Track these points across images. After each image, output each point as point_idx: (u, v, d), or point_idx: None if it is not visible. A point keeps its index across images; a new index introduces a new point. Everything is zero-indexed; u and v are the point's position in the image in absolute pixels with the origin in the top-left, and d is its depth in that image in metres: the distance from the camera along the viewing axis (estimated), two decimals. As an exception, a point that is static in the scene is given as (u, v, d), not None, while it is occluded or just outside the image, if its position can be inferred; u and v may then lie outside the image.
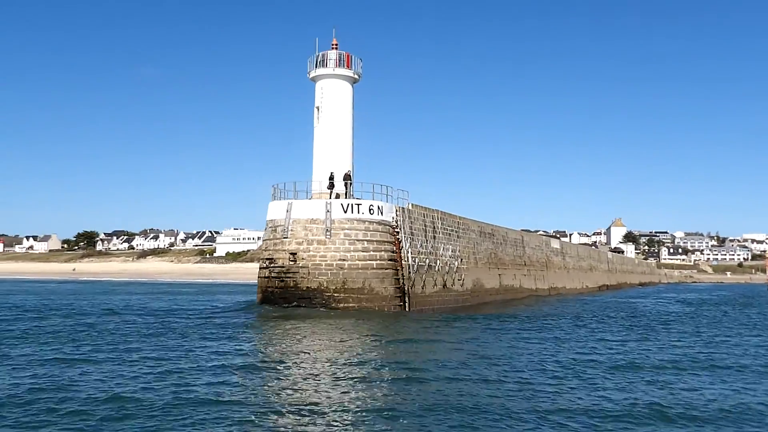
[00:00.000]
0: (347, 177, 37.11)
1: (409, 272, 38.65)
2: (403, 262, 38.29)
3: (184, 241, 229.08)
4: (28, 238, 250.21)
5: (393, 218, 37.81)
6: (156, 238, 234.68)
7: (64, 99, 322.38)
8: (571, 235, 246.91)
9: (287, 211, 36.23)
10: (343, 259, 35.13)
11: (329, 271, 34.93)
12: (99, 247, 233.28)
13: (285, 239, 35.95)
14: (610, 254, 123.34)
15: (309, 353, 20.82)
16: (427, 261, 41.52)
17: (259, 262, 39.66)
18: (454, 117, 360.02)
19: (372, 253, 35.80)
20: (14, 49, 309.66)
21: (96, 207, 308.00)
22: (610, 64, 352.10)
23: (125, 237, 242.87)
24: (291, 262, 35.47)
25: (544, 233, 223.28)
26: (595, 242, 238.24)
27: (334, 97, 38.56)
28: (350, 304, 34.73)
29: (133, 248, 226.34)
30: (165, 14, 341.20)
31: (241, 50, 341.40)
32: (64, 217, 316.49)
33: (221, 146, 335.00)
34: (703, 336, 29.74)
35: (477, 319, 34.91)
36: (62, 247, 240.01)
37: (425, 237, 41.98)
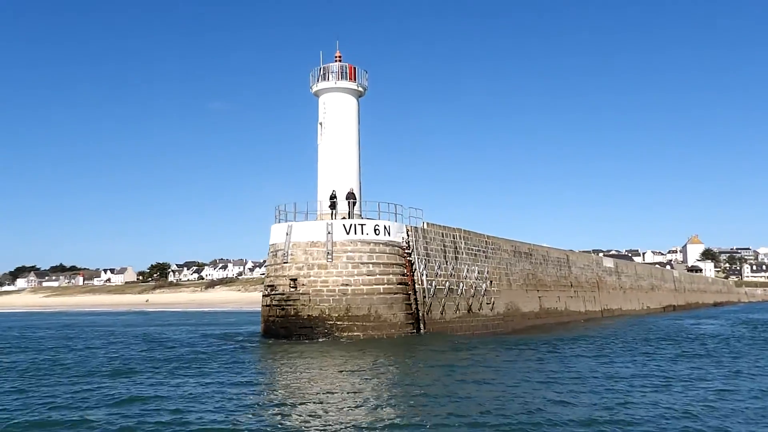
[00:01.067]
0: (350, 196, 34.49)
1: (425, 296, 35.59)
2: (416, 286, 35.29)
3: (251, 269, 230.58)
4: (105, 271, 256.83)
5: (403, 239, 34.93)
6: (225, 267, 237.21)
7: (138, 135, 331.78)
8: (644, 254, 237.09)
9: (287, 234, 33.83)
10: (346, 284, 32.39)
11: (331, 298, 32.22)
12: (171, 278, 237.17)
13: (285, 264, 33.51)
14: (676, 273, 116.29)
15: (303, 402, 17.40)
16: (447, 284, 38.34)
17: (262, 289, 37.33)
18: (490, 130, 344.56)
19: (378, 276, 32.96)
20: (89, 85, 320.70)
21: (169, 239, 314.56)
22: (684, 72, 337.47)
23: (195, 267, 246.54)
24: (291, 289, 32.95)
25: (616, 253, 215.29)
26: (670, 261, 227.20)
27: (337, 111, 36.15)
28: (355, 333, 31.88)
29: (203, 278, 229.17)
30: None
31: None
32: (140, 249, 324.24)
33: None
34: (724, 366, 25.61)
35: (499, 344, 31.53)
36: (137, 278, 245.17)
37: (444, 258, 38.87)
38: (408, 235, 35.58)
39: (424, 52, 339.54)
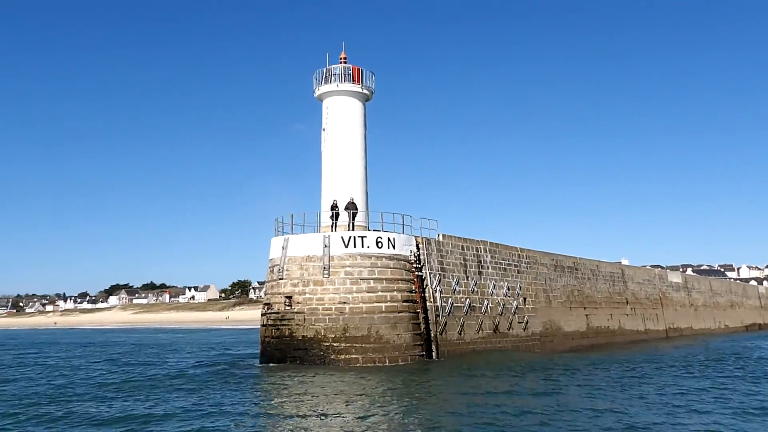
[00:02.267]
0: (351, 206, 31.53)
1: (438, 315, 32.21)
2: (427, 304, 31.97)
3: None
4: (190, 288, 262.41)
5: (411, 252, 31.69)
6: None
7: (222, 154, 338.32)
8: (738, 268, 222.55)
9: (283, 248, 31.20)
10: (344, 302, 29.38)
11: (327, 317, 29.24)
12: (251, 295, 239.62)
13: (281, 281, 30.85)
14: (762, 288, 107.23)
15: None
16: (468, 301, 34.80)
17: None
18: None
19: (381, 293, 29.81)
20: (180, 113, 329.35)
21: (250, 257, 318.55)
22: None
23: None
24: (287, 307, 30.19)
25: (708, 267, 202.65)
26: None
27: (341, 116, 33.34)
28: (352, 356, 28.78)
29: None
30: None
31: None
32: (223, 267, 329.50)
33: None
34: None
35: (528, 369, 27.87)
36: (219, 296, 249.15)
37: (465, 273, 35.35)
38: (418, 248, 32.35)
39: (439, 56, 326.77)
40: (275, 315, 30.58)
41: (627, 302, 54.59)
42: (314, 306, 29.43)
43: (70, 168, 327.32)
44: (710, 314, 74.57)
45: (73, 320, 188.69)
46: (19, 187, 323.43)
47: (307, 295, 29.68)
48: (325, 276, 29.61)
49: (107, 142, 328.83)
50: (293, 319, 29.76)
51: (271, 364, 29.85)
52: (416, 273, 31.50)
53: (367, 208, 33.42)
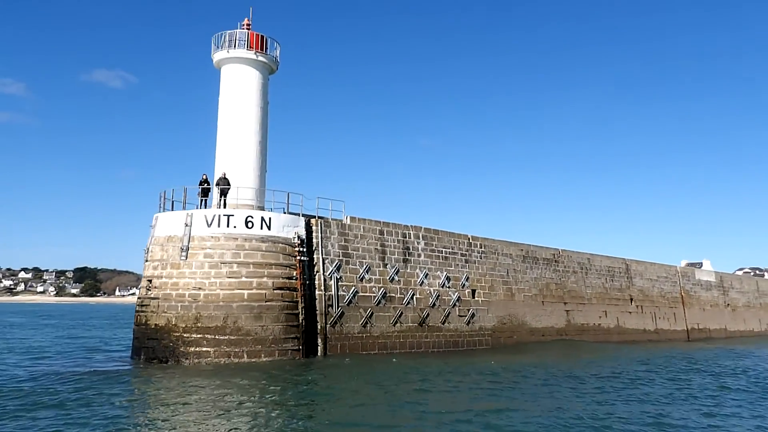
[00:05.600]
0: (222, 181, 26.82)
1: (330, 305, 27.13)
2: (316, 292, 26.94)
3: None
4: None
5: (296, 234, 26.73)
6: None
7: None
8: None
9: (152, 227, 27.02)
10: (199, 288, 24.71)
11: (180, 304, 24.60)
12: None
13: (146, 263, 26.66)
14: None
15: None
16: (383, 290, 29.48)
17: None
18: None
19: (245, 279, 24.97)
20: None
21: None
22: None
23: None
24: (147, 292, 25.96)
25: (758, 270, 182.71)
26: None
27: (237, 85, 28.50)
28: (203, 349, 24.04)
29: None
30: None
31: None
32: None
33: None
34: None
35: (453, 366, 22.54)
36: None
37: (383, 259, 30.01)
38: (310, 230, 27.36)
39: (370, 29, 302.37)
40: (139, 301, 26.45)
41: (631, 299, 47.07)
42: (169, 291, 24.95)
43: None
44: (754, 315, 64.87)
45: None
46: None
47: (164, 279, 25.24)
48: (182, 258, 25.10)
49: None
50: (149, 305, 25.44)
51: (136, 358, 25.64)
52: (300, 258, 26.51)
53: (263, 186, 28.61)
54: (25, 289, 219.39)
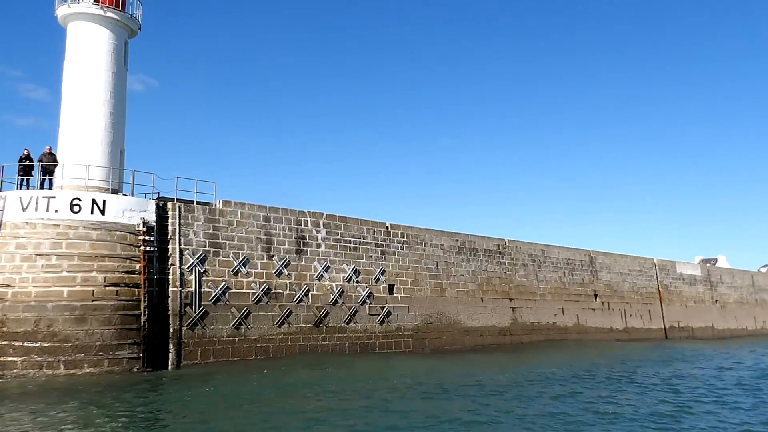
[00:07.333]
0: (46, 157, 22.33)
1: (188, 304, 22.55)
2: (170, 289, 22.37)
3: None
4: None
5: (143, 220, 22.20)
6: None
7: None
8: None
9: (-28, 215, 22.65)
10: (8, 285, 20.19)
11: (-17, 304, 20.29)
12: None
13: (-37, 257, 22.28)
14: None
15: None
16: (266, 286, 24.84)
17: None
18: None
19: (66, 274, 20.43)
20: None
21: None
22: None
23: None
24: (-40, 291, 21.54)
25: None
26: None
27: (86, 47, 24.00)
28: (9, 359, 19.43)
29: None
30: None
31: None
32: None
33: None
34: None
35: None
36: None
37: (267, 250, 25.40)
38: (163, 216, 22.82)
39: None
40: (-44, 302, 22.01)
41: (596, 295, 41.91)
42: (-27, 289, 20.56)
43: None
44: (748, 313, 59.09)
45: None
46: None
47: (-28, 275, 20.88)
48: (-8, 249, 20.72)
49: None
50: (-42, 306, 21.03)
51: None
52: (146, 248, 21.96)
53: (118, 166, 24.04)
54: None
